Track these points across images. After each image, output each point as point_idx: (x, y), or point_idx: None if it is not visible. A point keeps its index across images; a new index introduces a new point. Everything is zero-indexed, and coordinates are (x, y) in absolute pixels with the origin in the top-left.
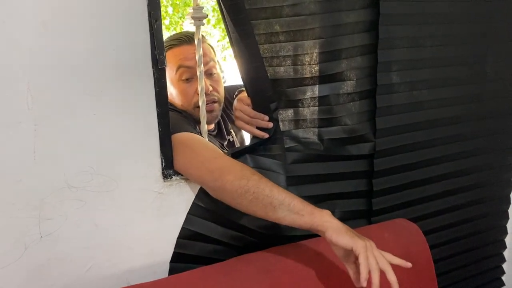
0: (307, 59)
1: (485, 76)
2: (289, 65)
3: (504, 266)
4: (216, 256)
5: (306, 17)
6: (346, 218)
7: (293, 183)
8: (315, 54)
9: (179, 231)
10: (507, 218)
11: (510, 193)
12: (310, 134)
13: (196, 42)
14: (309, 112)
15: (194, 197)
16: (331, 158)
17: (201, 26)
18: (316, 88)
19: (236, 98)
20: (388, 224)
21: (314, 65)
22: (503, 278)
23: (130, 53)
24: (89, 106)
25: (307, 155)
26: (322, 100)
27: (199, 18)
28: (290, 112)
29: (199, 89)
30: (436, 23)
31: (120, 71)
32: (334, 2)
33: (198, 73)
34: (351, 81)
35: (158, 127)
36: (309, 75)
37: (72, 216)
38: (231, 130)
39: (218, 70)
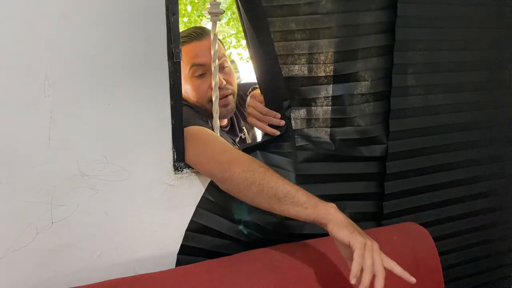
0: (322, 58)
1: (503, 83)
2: (304, 64)
3: None
4: (223, 250)
5: (322, 16)
6: (356, 219)
7: (303, 181)
8: (330, 54)
9: (187, 224)
10: None
11: None
12: (322, 134)
13: (212, 37)
14: (322, 111)
15: (204, 190)
16: (343, 159)
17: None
18: (330, 87)
19: (249, 95)
20: (398, 227)
21: (329, 64)
22: None
23: (147, 46)
24: (105, 97)
25: (318, 154)
26: (335, 100)
27: (215, 13)
28: (302, 111)
29: (213, 84)
30: (454, 27)
31: (136, 63)
32: (352, 2)
33: (212, 69)
34: (366, 82)
35: (172, 120)
36: (323, 74)
37: (84, 203)
38: (244, 128)
39: (229, 64)
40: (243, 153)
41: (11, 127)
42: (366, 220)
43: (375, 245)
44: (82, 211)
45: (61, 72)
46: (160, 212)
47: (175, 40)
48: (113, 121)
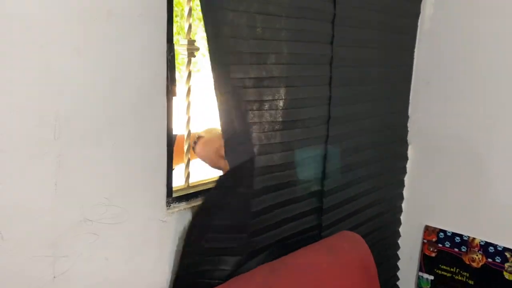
0: (281, 104)
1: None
2: (267, 110)
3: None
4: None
5: (283, 66)
6: (303, 232)
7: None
8: (287, 100)
9: (179, 259)
10: (401, 211)
11: (402, 191)
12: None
13: (186, 74)
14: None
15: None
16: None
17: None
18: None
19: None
20: (341, 236)
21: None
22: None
23: (149, 83)
24: (110, 135)
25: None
26: (290, 145)
27: (191, 50)
28: (263, 159)
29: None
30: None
31: (138, 101)
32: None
33: (186, 103)
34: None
35: (167, 155)
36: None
37: (86, 251)
38: None
39: None
40: None
41: (18, 175)
42: (310, 231)
43: None
44: (84, 260)
45: (70, 111)
46: (154, 250)
47: (172, 77)
48: (116, 160)
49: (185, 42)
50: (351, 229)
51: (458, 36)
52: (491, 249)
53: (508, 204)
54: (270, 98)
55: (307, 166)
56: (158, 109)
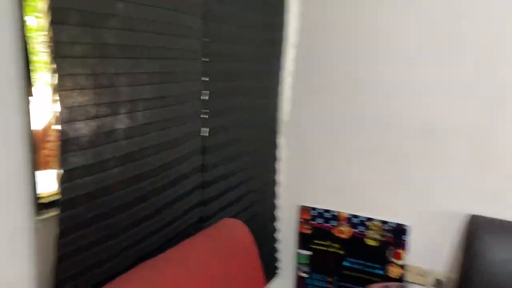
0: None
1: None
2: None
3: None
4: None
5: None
6: (186, 224)
7: None
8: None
9: (52, 269)
10: (275, 196)
11: (275, 177)
12: None
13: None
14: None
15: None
16: None
17: None
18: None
19: None
20: (221, 224)
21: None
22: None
23: (3, 84)
24: None
25: None
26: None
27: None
28: None
29: None
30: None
31: None
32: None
33: (51, 103)
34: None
35: (31, 159)
36: None
37: None
38: None
39: None
40: None
41: None
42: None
43: None
44: None
45: None
46: (24, 261)
47: (28, 77)
48: None
49: (45, 39)
50: (232, 218)
51: (321, 34)
52: (356, 220)
53: (366, 181)
54: (145, 96)
55: (186, 162)
56: (16, 111)
